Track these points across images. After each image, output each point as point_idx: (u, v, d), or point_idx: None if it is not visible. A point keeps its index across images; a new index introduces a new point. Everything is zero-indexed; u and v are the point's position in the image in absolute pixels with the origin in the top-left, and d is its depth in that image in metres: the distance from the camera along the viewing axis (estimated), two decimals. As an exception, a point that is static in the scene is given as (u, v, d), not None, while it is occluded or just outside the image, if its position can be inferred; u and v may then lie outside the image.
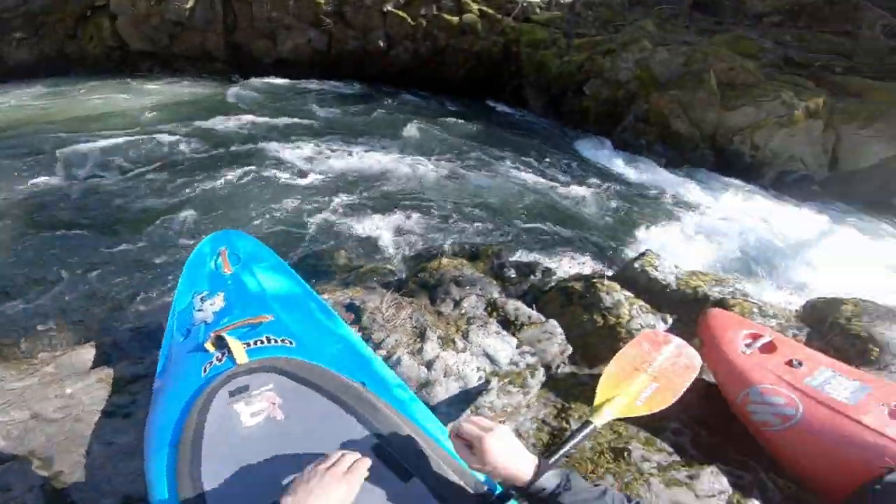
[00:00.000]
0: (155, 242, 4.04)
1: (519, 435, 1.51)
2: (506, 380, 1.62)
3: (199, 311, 1.28)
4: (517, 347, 1.88)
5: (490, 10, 10.96)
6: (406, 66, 11.43)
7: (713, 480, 1.33)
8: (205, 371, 1.01)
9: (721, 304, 2.28)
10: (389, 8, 10.99)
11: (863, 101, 7.11)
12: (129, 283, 3.56)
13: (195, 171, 5.15)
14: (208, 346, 1.08)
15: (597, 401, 1.24)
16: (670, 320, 2.28)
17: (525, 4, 10.91)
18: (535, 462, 0.81)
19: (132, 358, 1.82)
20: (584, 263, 4.28)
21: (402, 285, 2.79)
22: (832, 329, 2.16)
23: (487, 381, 1.62)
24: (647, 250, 2.80)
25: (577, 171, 6.75)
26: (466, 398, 1.56)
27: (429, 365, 1.58)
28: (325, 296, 1.96)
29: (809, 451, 1.39)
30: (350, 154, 5.97)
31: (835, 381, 1.49)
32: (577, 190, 5.97)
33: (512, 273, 3.58)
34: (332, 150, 5.94)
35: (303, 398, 0.91)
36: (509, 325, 2.10)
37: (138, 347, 2.01)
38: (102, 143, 5.77)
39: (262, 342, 1.07)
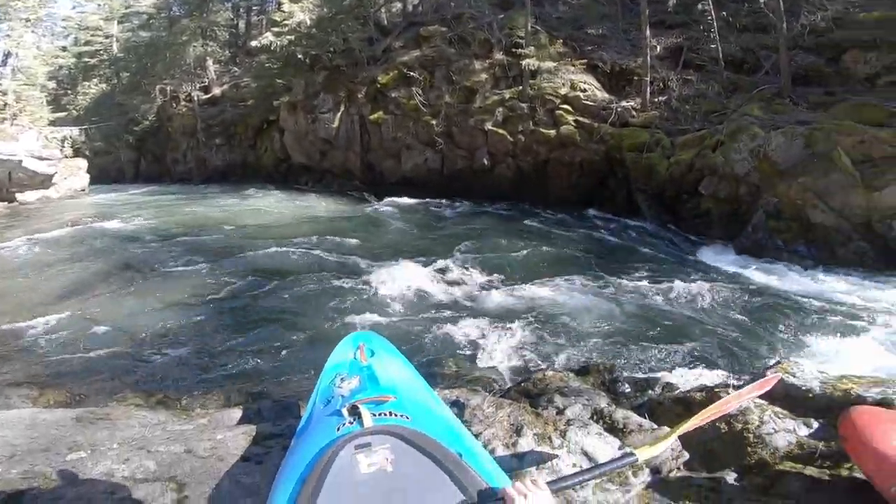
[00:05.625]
0: (301, 334, 4.76)
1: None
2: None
3: (339, 387, 1.64)
4: (619, 449, 1.82)
5: (586, 120, 11.08)
6: (510, 182, 11.94)
7: None
8: (338, 430, 1.32)
9: (880, 405, 1.99)
10: (489, 126, 11.86)
11: None
12: (276, 365, 4.22)
13: (339, 277, 6.19)
14: (344, 412, 1.40)
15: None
16: (816, 424, 2.06)
17: (619, 109, 10.83)
18: None
19: (271, 421, 2.28)
20: (708, 376, 3.80)
21: (505, 392, 2.90)
22: None
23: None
24: (780, 359, 2.62)
25: (701, 281, 6.04)
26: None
27: (521, 457, 1.63)
28: (436, 391, 2.19)
29: None
30: (461, 272, 6.48)
31: None
32: (701, 302, 5.45)
33: (626, 388, 3.36)
34: (447, 268, 6.57)
35: (410, 458, 1.11)
36: (616, 430, 2.05)
37: (276, 415, 2.46)
38: (271, 249, 7.41)
39: (385, 414, 1.38)
